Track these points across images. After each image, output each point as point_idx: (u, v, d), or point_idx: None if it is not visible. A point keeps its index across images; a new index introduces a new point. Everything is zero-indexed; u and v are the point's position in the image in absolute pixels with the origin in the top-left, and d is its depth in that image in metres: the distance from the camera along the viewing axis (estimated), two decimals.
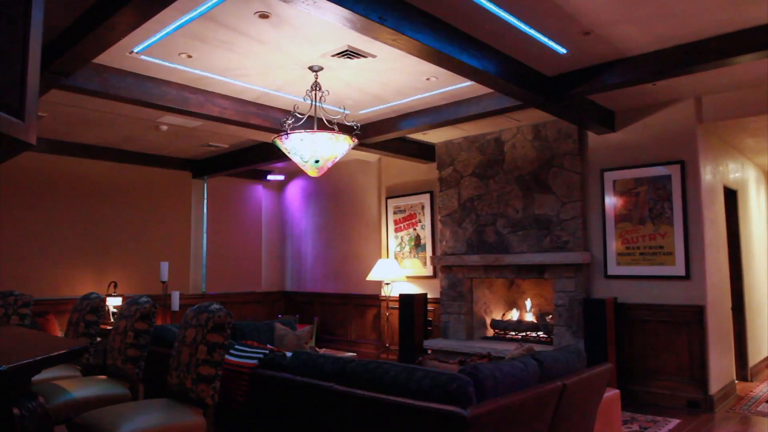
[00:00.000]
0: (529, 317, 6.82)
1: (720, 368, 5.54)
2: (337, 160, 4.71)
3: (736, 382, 6.09)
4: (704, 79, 4.93)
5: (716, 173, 5.96)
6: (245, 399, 3.27)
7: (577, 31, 4.00)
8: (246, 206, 9.50)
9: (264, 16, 3.73)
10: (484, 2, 3.55)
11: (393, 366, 2.68)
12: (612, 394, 3.82)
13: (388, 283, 7.67)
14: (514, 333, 6.73)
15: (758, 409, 5.35)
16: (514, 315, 6.96)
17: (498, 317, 7.07)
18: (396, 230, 7.93)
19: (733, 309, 6.29)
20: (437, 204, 7.37)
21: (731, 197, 6.58)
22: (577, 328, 5.93)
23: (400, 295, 7.19)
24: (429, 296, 7.33)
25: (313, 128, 4.69)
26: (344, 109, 5.27)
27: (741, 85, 5.17)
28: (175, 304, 7.45)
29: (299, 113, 4.84)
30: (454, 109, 5.65)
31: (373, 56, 4.47)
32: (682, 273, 5.43)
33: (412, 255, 7.72)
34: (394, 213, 7.96)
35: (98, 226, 7.71)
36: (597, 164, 6.05)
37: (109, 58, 4.39)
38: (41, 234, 7.21)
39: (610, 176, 5.93)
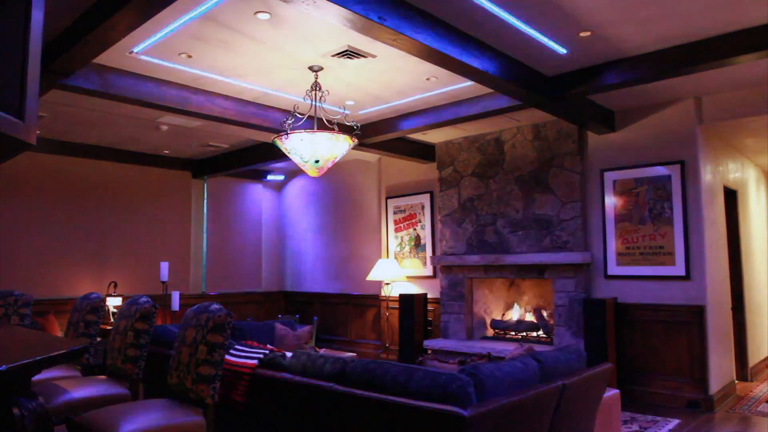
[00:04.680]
0: (529, 317, 6.82)
1: (720, 368, 5.54)
2: (337, 160, 4.71)
3: (736, 382, 6.09)
4: (704, 79, 4.93)
5: (716, 173, 5.96)
6: (245, 399, 3.27)
7: (577, 31, 4.00)
8: (246, 206, 9.50)
9: (264, 16, 3.73)
10: (484, 2, 3.55)
11: (393, 366, 2.68)
12: (612, 394, 3.82)
13: (388, 283, 7.67)
14: (514, 333, 6.73)
15: (758, 409, 5.35)
16: (514, 315, 6.96)
17: (498, 317, 7.07)
18: (396, 230, 7.93)
19: (733, 309, 6.29)
20: (437, 204, 7.37)
21: (731, 197, 6.58)
22: (577, 328, 5.93)
23: (400, 295, 7.19)
24: (429, 296, 7.33)
25: (313, 128, 4.69)
26: (344, 109, 5.27)
27: (741, 85, 5.17)
28: (175, 304, 7.45)
29: (299, 113, 4.84)
30: (454, 109, 5.65)
31: (373, 56, 4.47)
32: (682, 273, 5.43)
33: (412, 255, 7.72)
34: (394, 213, 7.96)
35: (98, 226, 7.72)
36: (597, 164, 6.05)
37: (109, 58, 4.39)
38: (41, 234, 7.21)
39: (610, 176, 5.93)
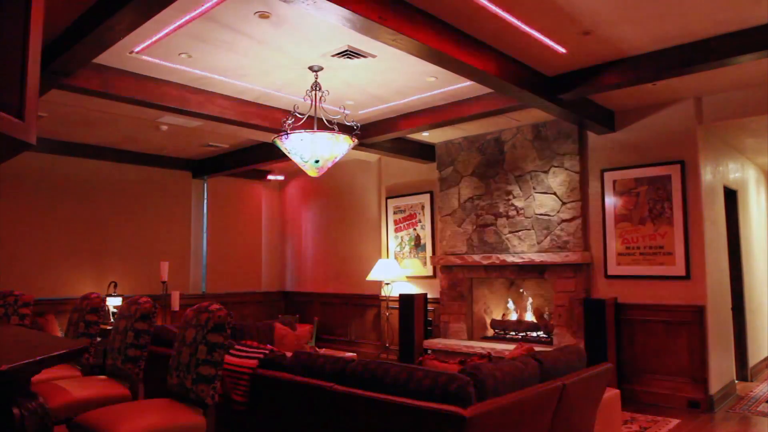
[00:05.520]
0: (529, 317, 6.82)
1: (720, 368, 5.54)
2: (337, 160, 4.71)
3: (736, 382, 6.09)
4: (704, 79, 4.93)
5: (716, 173, 5.96)
6: (245, 399, 3.27)
7: (577, 31, 4.00)
8: (246, 206, 9.50)
9: (264, 16, 3.73)
10: (484, 2, 3.55)
11: (393, 366, 2.68)
12: (612, 394, 3.82)
13: (388, 283, 7.67)
14: (514, 333, 6.73)
15: (758, 409, 5.35)
16: (514, 315, 6.96)
17: (498, 317, 7.07)
18: (396, 230, 7.93)
19: (733, 309, 6.28)
20: (437, 204, 7.37)
21: (731, 197, 6.58)
22: (577, 328, 5.93)
23: (400, 295, 7.19)
24: (429, 296, 7.33)
25: (313, 128, 4.69)
26: (344, 109, 5.27)
27: (741, 85, 5.17)
28: (175, 304, 7.45)
29: (299, 113, 4.83)
30: (454, 109, 5.65)
31: (373, 56, 4.47)
32: (682, 273, 5.43)
33: (412, 255, 7.72)
34: (394, 213, 7.96)
35: (98, 226, 7.71)
36: (597, 164, 6.05)
37: (109, 58, 4.39)
38: (41, 234, 7.20)
39: (610, 176, 5.93)
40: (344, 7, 3.17)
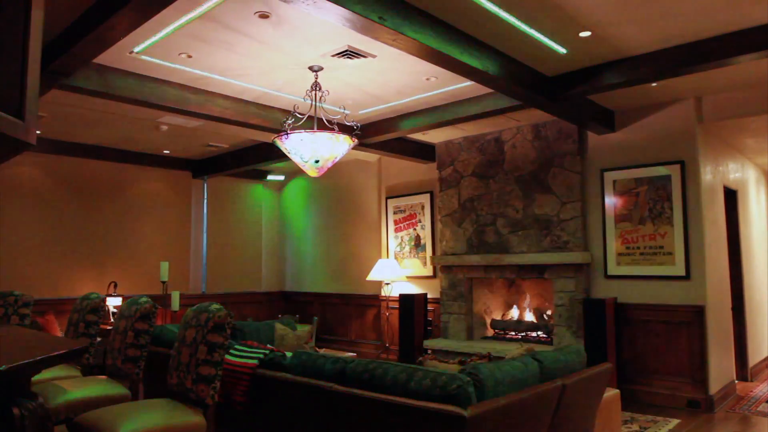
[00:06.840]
0: (529, 317, 6.82)
1: (720, 368, 5.54)
2: (337, 160, 4.71)
3: (736, 382, 6.09)
4: (704, 79, 4.93)
5: (716, 173, 5.96)
6: (245, 399, 3.27)
7: (577, 31, 4.00)
8: (246, 206, 9.50)
9: (264, 16, 3.73)
10: (484, 2, 3.55)
11: (393, 366, 2.68)
12: (612, 394, 3.82)
13: (388, 283, 7.67)
14: (514, 333, 6.73)
15: (758, 409, 5.35)
16: (514, 315, 6.96)
17: (498, 317, 7.07)
18: (396, 230, 7.93)
19: (733, 309, 6.28)
20: (437, 204, 7.37)
21: (731, 197, 6.58)
22: (577, 328, 5.93)
23: (400, 295, 7.19)
24: (429, 296, 7.33)
25: (313, 128, 4.69)
26: (344, 109, 5.27)
27: (741, 85, 5.17)
28: (175, 304, 7.45)
29: (299, 113, 4.83)
30: (454, 109, 5.65)
31: (373, 56, 4.47)
32: (682, 273, 5.43)
33: (412, 255, 7.72)
34: (394, 213, 7.96)
35: (98, 226, 7.72)
36: (597, 164, 6.05)
37: (109, 58, 4.39)
38: (41, 234, 7.21)
39: (610, 176, 5.93)
40: (344, 7, 3.17)
